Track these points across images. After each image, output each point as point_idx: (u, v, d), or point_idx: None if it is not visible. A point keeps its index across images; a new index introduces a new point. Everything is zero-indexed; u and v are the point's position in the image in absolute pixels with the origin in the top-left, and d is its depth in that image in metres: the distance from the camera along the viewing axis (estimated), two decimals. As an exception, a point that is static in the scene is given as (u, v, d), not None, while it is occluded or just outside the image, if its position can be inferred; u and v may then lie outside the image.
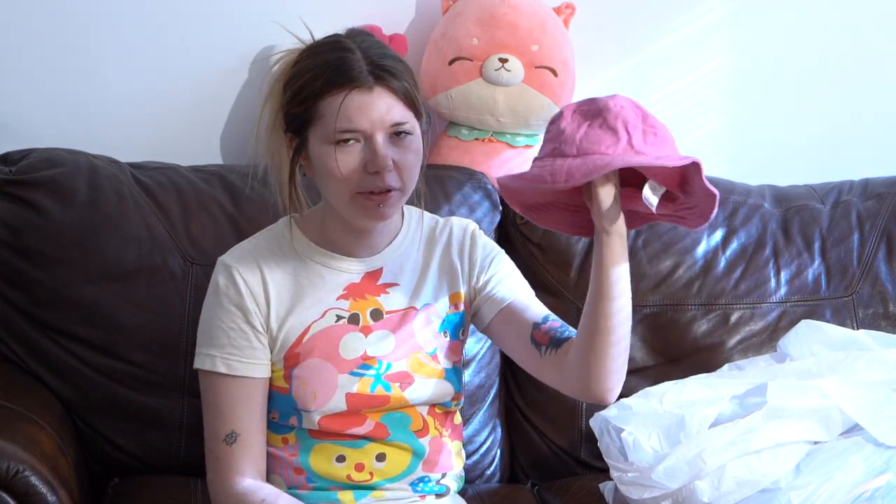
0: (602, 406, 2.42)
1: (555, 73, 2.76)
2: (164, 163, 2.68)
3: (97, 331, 2.52)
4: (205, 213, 2.59)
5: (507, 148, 2.80)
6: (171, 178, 2.62)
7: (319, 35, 2.19)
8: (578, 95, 2.83)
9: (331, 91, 2.08)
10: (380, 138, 2.08)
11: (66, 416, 2.49)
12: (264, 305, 2.18)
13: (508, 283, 2.26)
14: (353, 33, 2.17)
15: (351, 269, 2.21)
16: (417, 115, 2.12)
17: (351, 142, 2.08)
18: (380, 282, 2.22)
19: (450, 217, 2.33)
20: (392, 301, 2.22)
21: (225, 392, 2.17)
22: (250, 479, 2.16)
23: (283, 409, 2.20)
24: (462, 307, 2.26)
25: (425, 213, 2.29)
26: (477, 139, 2.79)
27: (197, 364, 2.19)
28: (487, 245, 2.29)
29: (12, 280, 2.52)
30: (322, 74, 2.09)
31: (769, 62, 3.01)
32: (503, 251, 2.31)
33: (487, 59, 2.75)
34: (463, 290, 2.26)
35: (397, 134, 2.10)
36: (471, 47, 2.75)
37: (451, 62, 2.75)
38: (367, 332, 2.19)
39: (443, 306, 2.25)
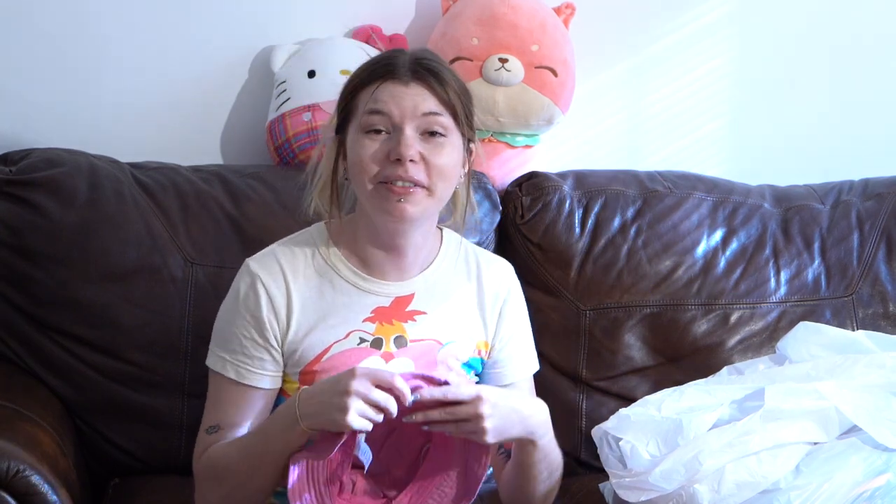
0: (602, 421, 2.42)
1: (555, 73, 2.76)
2: (164, 163, 2.68)
3: (97, 331, 2.52)
4: (205, 213, 2.59)
5: (507, 148, 2.80)
6: (171, 178, 2.62)
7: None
8: (578, 95, 2.84)
9: (368, 83, 2.09)
10: (408, 129, 2.07)
11: (66, 415, 2.49)
12: (284, 319, 2.15)
13: (516, 363, 2.27)
14: (416, 49, 2.18)
15: (381, 292, 2.18)
16: (458, 124, 2.11)
17: (381, 132, 2.08)
18: (409, 308, 2.19)
19: (490, 256, 2.32)
20: (418, 330, 2.18)
21: (228, 394, 2.16)
22: None
23: None
24: (484, 355, 2.25)
25: (464, 241, 2.28)
26: (477, 139, 2.78)
27: (209, 362, 2.18)
28: (518, 308, 2.29)
29: (12, 280, 2.52)
30: (365, 71, 2.11)
31: (769, 62, 3.01)
32: (527, 314, 2.32)
33: (487, 59, 2.75)
34: (489, 341, 2.25)
35: (431, 133, 2.08)
36: (471, 47, 2.75)
37: (451, 62, 2.74)
38: (389, 358, 2.16)
39: (468, 349, 2.22)
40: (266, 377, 2.15)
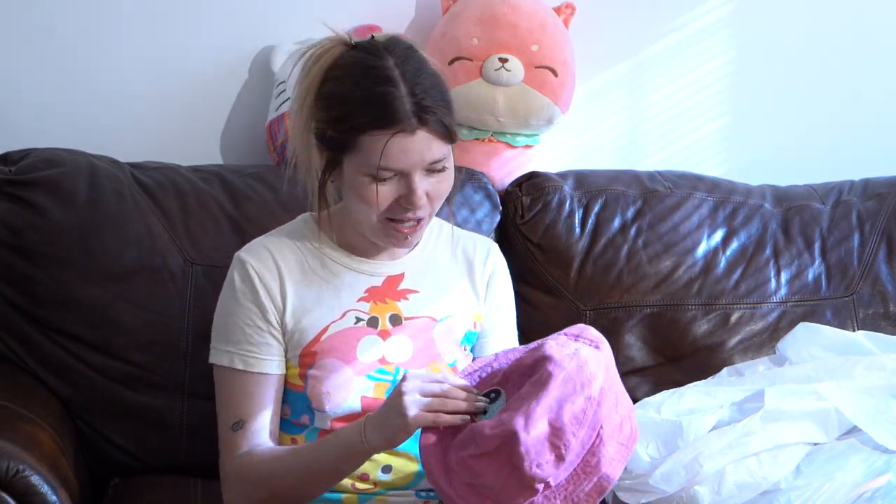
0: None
1: (555, 73, 2.76)
2: (164, 163, 2.68)
3: (97, 331, 2.52)
4: (205, 213, 2.59)
5: (507, 148, 2.80)
6: (171, 178, 2.62)
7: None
8: (578, 95, 2.84)
9: (374, 130, 2.07)
10: (416, 176, 2.09)
11: (66, 415, 2.49)
12: (280, 302, 2.18)
13: (500, 335, 2.31)
14: (393, 48, 2.13)
15: (372, 272, 2.22)
16: (453, 142, 2.13)
17: (388, 178, 2.09)
18: (400, 287, 2.22)
19: (472, 234, 2.37)
20: (411, 308, 2.22)
21: (239, 386, 2.17)
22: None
23: (296, 406, 2.20)
24: (478, 327, 2.29)
25: (444, 222, 2.32)
26: (477, 139, 2.79)
27: (213, 359, 2.20)
28: (505, 281, 2.34)
29: (12, 280, 2.52)
30: (366, 111, 2.08)
31: (769, 62, 3.01)
32: (512, 292, 2.36)
33: (487, 59, 2.75)
34: (482, 312, 2.29)
35: (435, 171, 2.11)
36: (471, 47, 2.75)
37: (451, 62, 2.75)
38: (385, 336, 2.19)
39: (466, 322, 2.26)
40: (274, 362, 2.18)
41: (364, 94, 2.09)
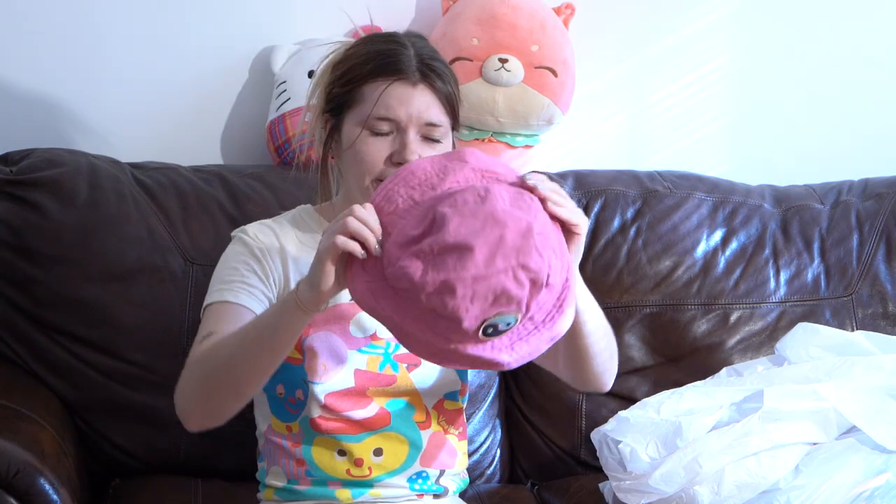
0: (601, 421, 2.42)
1: (555, 73, 2.77)
2: (164, 163, 2.68)
3: (97, 331, 2.52)
4: (205, 213, 2.60)
5: (507, 148, 2.81)
6: (171, 178, 2.63)
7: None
8: (578, 95, 2.84)
9: (376, 77, 2.11)
10: (411, 134, 2.11)
11: (66, 416, 2.49)
12: (280, 266, 2.16)
13: None
14: (410, 34, 2.20)
15: None
16: (454, 124, 2.16)
17: (384, 131, 2.11)
18: None
19: None
20: None
21: (223, 313, 2.12)
22: None
23: (289, 382, 2.19)
24: None
25: None
26: (477, 139, 2.79)
27: (205, 303, 2.15)
28: None
29: (12, 280, 2.52)
30: (371, 61, 2.13)
31: (769, 62, 3.01)
32: None
33: (487, 60, 2.75)
34: None
35: (431, 139, 2.13)
36: (471, 47, 2.75)
37: (451, 62, 2.74)
38: None
39: None
40: (259, 303, 2.13)
41: (372, 49, 2.14)
